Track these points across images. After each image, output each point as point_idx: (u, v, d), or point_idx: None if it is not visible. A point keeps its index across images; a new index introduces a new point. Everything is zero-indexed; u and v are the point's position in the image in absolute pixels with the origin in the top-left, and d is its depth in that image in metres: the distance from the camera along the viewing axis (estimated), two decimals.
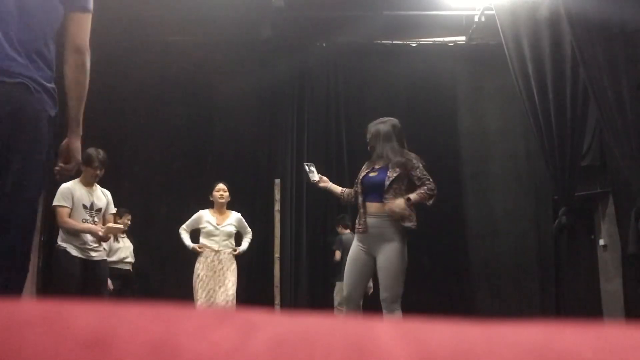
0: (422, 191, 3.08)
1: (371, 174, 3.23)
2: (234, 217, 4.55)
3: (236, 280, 4.43)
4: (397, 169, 3.15)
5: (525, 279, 5.52)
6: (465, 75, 6.01)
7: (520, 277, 5.53)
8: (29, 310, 0.37)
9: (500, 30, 4.67)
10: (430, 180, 3.15)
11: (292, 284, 5.56)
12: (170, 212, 5.37)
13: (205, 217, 4.50)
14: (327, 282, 5.58)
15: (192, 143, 5.81)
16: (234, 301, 4.36)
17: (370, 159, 3.33)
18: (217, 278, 4.37)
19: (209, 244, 4.42)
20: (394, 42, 5.91)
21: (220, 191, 4.51)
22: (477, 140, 5.91)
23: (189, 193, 5.46)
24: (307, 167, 3.49)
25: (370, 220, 3.16)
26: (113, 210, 3.89)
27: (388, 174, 3.14)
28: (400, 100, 5.95)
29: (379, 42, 5.92)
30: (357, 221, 3.26)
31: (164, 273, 5.52)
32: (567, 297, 5.13)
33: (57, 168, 1.87)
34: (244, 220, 4.58)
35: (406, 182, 3.14)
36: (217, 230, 4.46)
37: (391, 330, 0.35)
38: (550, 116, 4.40)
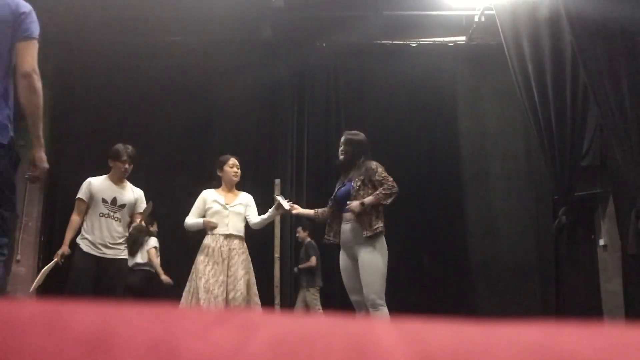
0: (377, 192, 3.33)
1: (341, 188, 3.55)
2: (244, 197, 3.92)
3: (251, 275, 3.71)
4: (361, 177, 3.43)
5: (525, 279, 5.52)
6: (465, 75, 6.01)
7: (520, 277, 5.52)
8: (29, 310, 0.37)
9: (500, 30, 4.67)
10: (390, 180, 3.37)
11: (292, 284, 5.56)
12: (169, 212, 5.36)
13: (211, 196, 3.84)
14: (328, 282, 5.58)
15: (192, 143, 5.81)
16: (256, 298, 3.68)
17: (342, 175, 3.66)
18: (225, 271, 3.60)
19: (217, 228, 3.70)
20: (394, 42, 5.91)
21: (234, 167, 3.93)
22: (477, 140, 5.91)
23: (189, 193, 5.46)
24: (280, 199, 3.77)
25: (344, 227, 3.48)
26: (141, 209, 3.81)
27: (353, 184, 3.46)
28: (400, 100, 5.95)
29: (379, 42, 5.91)
30: (331, 233, 3.58)
31: (164, 273, 5.51)
32: (567, 297, 5.13)
33: (26, 175, 2.13)
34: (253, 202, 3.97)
35: (371, 188, 3.41)
36: (225, 211, 3.77)
37: (391, 331, 0.35)
38: (550, 116, 4.39)
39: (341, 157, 3.65)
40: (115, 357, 0.33)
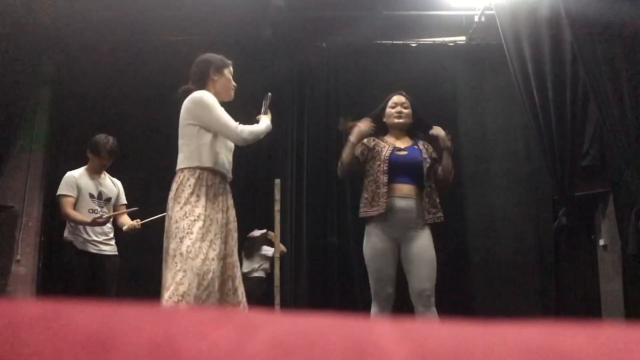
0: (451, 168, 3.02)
1: (399, 152, 3.01)
2: None
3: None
4: (426, 145, 3.08)
5: (525, 279, 5.52)
6: (465, 75, 6.00)
7: (520, 277, 5.52)
8: (29, 310, 0.37)
9: (500, 30, 4.67)
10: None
11: (292, 284, 5.56)
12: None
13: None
14: (327, 283, 5.58)
15: None
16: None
17: (384, 134, 3.19)
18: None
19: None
20: (394, 42, 5.91)
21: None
22: (477, 140, 5.91)
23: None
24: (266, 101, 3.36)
25: (399, 203, 2.89)
26: (124, 200, 3.78)
27: (424, 155, 3.01)
28: None
29: (379, 42, 5.91)
30: (372, 202, 2.94)
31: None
32: (567, 297, 5.14)
33: None
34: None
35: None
36: None
37: (391, 331, 0.35)
38: (550, 116, 4.39)
39: (403, 118, 3.13)
40: (115, 357, 0.33)
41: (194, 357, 0.33)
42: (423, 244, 2.91)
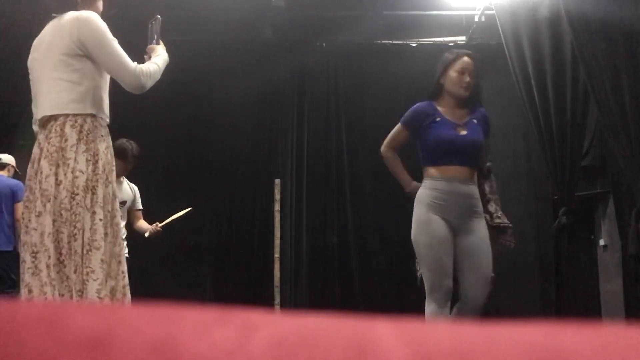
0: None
1: (461, 132, 2.67)
2: None
3: None
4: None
5: (525, 279, 5.52)
6: None
7: (520, 277, 5.52)
8: (29, 310, 0.37)
9: (500, 30, 4.67)
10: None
11: (292, 284, 5.56)
12: (169, 212, 5.36)
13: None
14: (327, 282, 5.58)
15: (191, 143, 5.80)
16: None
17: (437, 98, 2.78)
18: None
19: None
20: (394, 42, 5.91)
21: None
22: None
23: (189, 193, 5.46)
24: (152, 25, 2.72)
25: (461, 188, 2.59)
26: (140, 205, 3.78)
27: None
28: (400, 100, 5.94)
29: (379, 42, 5.91)
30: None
31: (164, 273, 5.51)
32: (567, 297, 5.13)
33: None
34: None
35: None
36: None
37: (391, 331, 0.35)
38: (550, 116, 4.40)
39: (467, 90, 2.71)
40: (115, 357, 0.33)
41: (194, 357, 0.33)
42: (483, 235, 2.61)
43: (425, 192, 2.63)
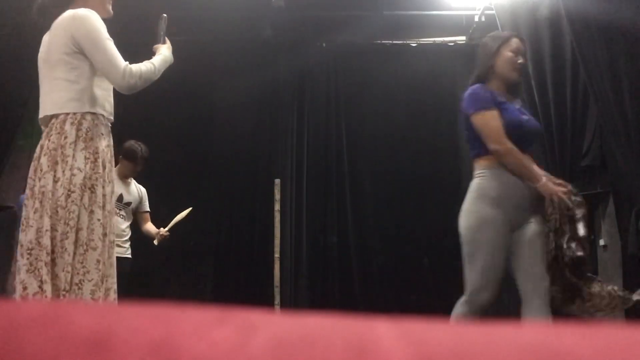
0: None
1: (523, 116, 2.43)
2: None
3: None
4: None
5: None
6: (465, 75, 5.98)
7: None
8: (29, 310, 0.37)
9: (500, 30, 4.67)
10: None
11: (292, 284, 5.56)
12: (169, 212, 5.36)
13: None
14: (327, 282, 5.58)
15: (191, 143, 5.80)
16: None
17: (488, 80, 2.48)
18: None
19: None
20: (394, 42, 5.91)
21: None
22: None
23: (189, 193, 5.46)
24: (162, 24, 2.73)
25: (522, 181, 2.31)
26: (147, 208, 3.78)
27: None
28: (400, 100, 5.95)
29: (379, 42, 5.91)
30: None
31: (164, 273, 5.51)
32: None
33: None
34: None
35: None
36: None
37: (391, 331, 0.35)
38: (550, 116, 4.40)
39: (520, 73, 2.53)
40: (115, 357, 0.33)
41: (194, 357, 0.33)
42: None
43: (489, 185, 2.36)
